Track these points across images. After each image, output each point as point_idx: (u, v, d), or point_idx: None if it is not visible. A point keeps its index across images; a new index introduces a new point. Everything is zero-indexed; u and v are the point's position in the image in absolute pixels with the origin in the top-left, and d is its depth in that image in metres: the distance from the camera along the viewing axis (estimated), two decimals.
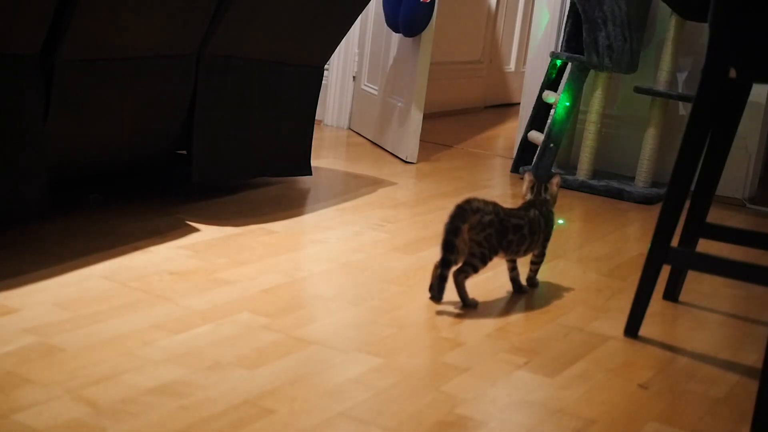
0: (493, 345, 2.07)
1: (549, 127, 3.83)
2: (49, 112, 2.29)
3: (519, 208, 2.39)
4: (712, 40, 2.12)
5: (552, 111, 3.89)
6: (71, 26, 2.23)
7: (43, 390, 1.61)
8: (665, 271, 2.48)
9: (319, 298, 2.24)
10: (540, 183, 2.45)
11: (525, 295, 2.45)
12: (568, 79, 3.81)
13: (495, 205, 2.28)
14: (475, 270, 2.25)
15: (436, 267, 2.23)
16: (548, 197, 2.44)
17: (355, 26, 4.48)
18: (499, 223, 2.26)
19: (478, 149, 4.52)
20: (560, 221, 3.32)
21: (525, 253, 2.39)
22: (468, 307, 2.26)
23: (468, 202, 2.23)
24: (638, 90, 3.77)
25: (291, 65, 3.06)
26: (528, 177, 2.47)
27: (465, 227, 2.21)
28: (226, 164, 2.91)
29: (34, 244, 2.35)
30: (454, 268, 2.23)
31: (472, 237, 2.23)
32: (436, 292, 2.21)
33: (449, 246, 2.18)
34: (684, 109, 3.97)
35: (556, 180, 2.47)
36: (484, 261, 2.26)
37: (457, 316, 2.22)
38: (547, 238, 2.44)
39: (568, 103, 3.78)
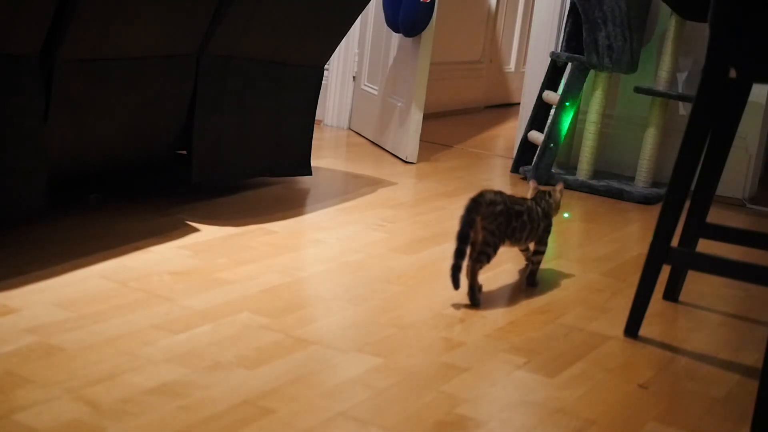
0: (493, 345, 2.07)
1: (549, 127, 3.83)
2: (49, 112, 2.29)
3: (519, 197, 2.46)
4: (712, 40, 2.12)
5: (552, 111, 3.89)
6: (71, 26, 2.23)
7: (43, 390, 1.61)
8: (665, 271, 2.49)
9: (319, 298, 2.24)
10: (544, 192, 2.54)
11: (525, 294, 2.45)
12: (568, 79, 3.81)
13: (502, 194, 2.36)
14: (489, 259, 2.31)
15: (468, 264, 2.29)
16: (551, 202, 2.53)
17: (355, 26, 4.48)
18: (506, 211, 2.33)
19: (478, 149, 4.52)
20: (566, 214, 3.34)
21: (526, 241, 2.44)
22: (474, 301, 2.28)
23: (482, 195, 2.29)
24: (638, 90, 3.77)
25: (291, 65, 3.06)
26: (533, 185, 2.56)
27: (478, 219, 2.28)
28: (226, 164, 2.91)
29: (34, 244, 2.35)
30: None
31: (485, 226, 2.29)
32: (452, 281, 2.24)
33: (464, 237, 2.23)
34: (684, 109, 3.97)
35: (559, 187, 2.56)
36: (496, 250, 2.32)
37: (457, 316, 2.22)
38: (547, 230, 2.50)
39: (568, 104, 3.78)
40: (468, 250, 2.25)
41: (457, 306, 2.27)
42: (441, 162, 4.08)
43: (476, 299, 2.29)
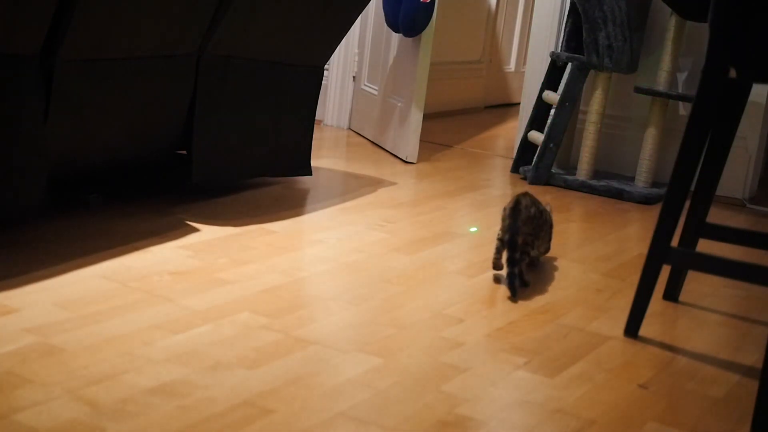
0: (493, 345, 2.07)
1: (549, 127, 3.83)
2: (49, 112, 2.29)
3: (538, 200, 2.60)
4: (712, 40, 2.12)
5: (552, 111, 3.89)
6: (71, 26, 2.23)
7: (43, 390, 1.61)
8: (665, 271, 2.49)
9: (319, 298, 2.24)
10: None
11: (525, 295, 2.45)
12: (568, 79, 3.81)
13: (528, 195, 2.52)
14: (529, 255, 2.50)
15: (496, 260, 2.48)
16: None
17: (355, 26, 4.47)
18: (537, 213, 2.52)
19: (478, 149, 4.52)
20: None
21: (544, 239, 2.63)
22: (525, 285, 2.47)
23: (518, 202, 2.43)
24: (638, 90, 3.77)
25: (291, 65, 3.06)
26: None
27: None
28: (226, 164, 2.91)
29: (34, 244, 2.35)
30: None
31: (525, 231, 2.44)
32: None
33: (515, 245, 2.40)
34: (684, 109, 3.97)
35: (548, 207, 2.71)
36: (534, 247, 2.54)
37: (457, 316, 2.22)
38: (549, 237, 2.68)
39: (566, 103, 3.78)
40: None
41: (457, 306, 2.27)
42: (441, 162, 4.08)
43: (528, 279, 2.50)
